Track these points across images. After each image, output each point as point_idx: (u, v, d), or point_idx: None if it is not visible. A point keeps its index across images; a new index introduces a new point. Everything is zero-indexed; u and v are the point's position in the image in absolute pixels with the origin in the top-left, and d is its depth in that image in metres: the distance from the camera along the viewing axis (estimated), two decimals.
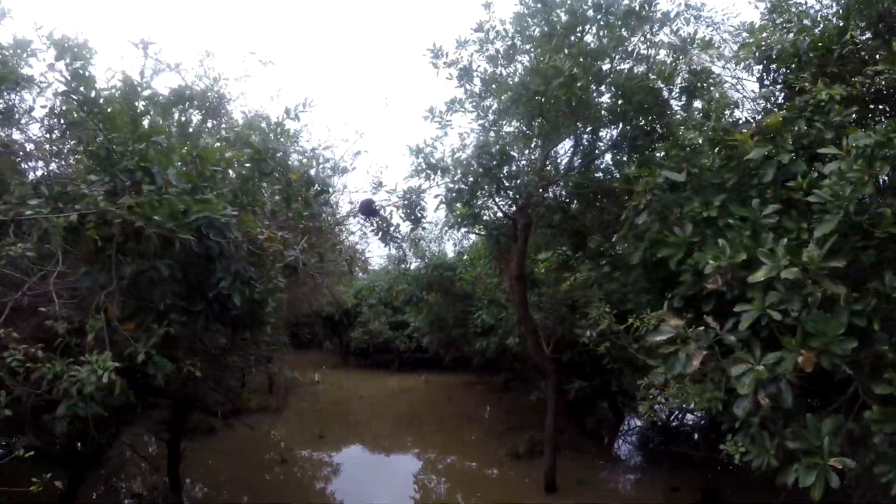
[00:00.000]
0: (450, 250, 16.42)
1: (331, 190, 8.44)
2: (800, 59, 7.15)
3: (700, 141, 6.85)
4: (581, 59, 7.95)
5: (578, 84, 7.62)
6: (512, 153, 8.85)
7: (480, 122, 9.54)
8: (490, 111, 9.55)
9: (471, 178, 8.68)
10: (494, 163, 8.45)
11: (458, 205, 9.18)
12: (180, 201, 4.95)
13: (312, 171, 8.95)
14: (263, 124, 7.51)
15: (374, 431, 16.54)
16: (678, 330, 5.52)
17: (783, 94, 7.94)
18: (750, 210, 5.72)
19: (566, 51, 8.19)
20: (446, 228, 11.38)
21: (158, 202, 4.85)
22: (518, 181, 8.92)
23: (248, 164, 6.53)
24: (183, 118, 7.27)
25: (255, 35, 59.84)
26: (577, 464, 12.40)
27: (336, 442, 15.06)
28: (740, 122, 7.83)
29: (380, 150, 17.09)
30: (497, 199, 9.56)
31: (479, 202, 9.54)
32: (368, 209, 8.73)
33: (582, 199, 9.91)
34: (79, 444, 8.22)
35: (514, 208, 9.59)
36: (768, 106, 8.23)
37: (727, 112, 7.78)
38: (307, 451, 14.38)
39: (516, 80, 8.80)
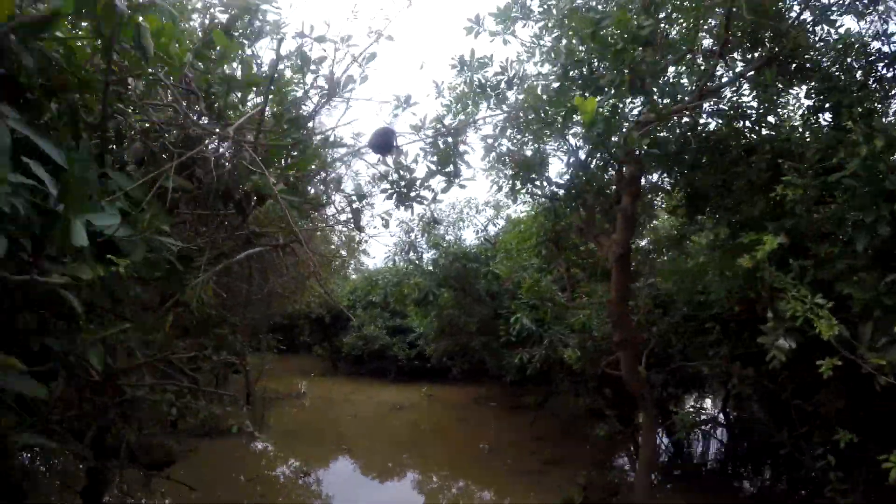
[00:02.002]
0: (469, 237, 13.11)
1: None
2: None
3: None
4: None
5: None
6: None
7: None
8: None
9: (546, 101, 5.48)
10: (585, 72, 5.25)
11: (527, 145, 5.97)
12: None
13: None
14: None
15: (371, 464, 13.22)
16: None
17: None
18: None
19: None
20: (496, 189, 8.15)
21: None
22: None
23: None
24: None
25: None
26: None
27: (322, 481, 11.78)
28: None
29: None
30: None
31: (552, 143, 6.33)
32: (384, 142, 5.43)
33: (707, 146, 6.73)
34: None
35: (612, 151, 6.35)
36: None
37: None
38: (284, 496, 11.08)
39: None
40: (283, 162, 3.35)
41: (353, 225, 7.65)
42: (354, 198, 3.44)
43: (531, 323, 10.14)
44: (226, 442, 12.85)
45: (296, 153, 3.02)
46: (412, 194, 6.57)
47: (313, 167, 4.08)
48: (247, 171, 2.87)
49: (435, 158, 6.52)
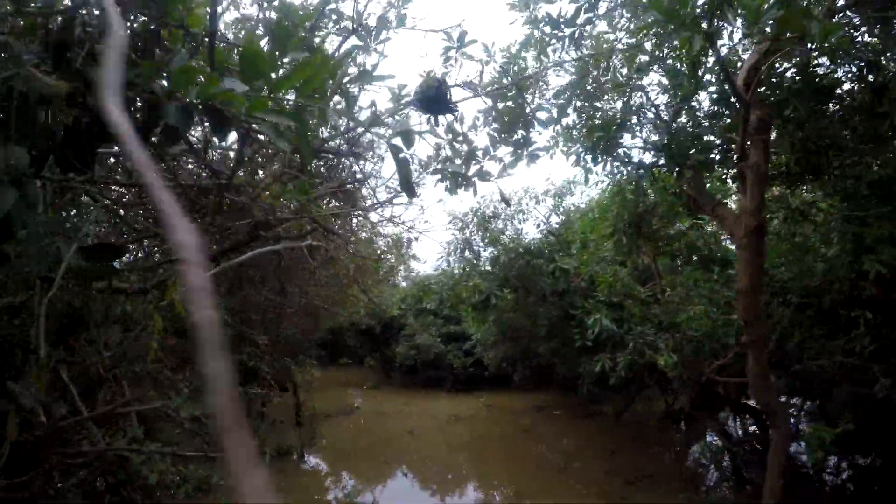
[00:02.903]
0: (530, 232, 11.75)
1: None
2: None
3: None
4: None
5: None
6: None
7: None
8: None
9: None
10: None
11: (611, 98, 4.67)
12: None
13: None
14: None
15: (431, 484, 12.01)
16: None
17: None
18: None
19: None
20: (572, 160, 6.76)
21: None
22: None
23: None
24: None
25: None
26: None
27: None
28: None
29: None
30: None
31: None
32: (435, 96, 4.16)
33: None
34: None
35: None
36: None
37: None
38: None
39: None
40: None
41: (400, 194, 6.43)
42: (399, 144, 2.21)
43: (611, 324, 8.72)
44: (274, 464, 11.91)
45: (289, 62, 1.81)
46: (471, 172, 5.41)
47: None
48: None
49: (497, 124, 5.33)
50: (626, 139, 6.53)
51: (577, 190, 12.35)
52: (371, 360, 26.50)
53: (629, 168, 6.22)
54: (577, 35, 4.91)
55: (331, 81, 1.99)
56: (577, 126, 6.60)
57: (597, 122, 6.16)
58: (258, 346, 7.53)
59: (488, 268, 11.13)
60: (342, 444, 14.10)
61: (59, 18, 1.79)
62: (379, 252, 10.24)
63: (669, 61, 5.83)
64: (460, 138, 5.24)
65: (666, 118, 6.27)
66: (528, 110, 5.23)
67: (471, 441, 14.13)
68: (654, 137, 5.99)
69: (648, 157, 6.20)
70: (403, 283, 25.84)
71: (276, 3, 3.29)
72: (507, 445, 13.71)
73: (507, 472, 12.20)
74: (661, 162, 5.88)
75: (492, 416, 17.10)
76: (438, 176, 5.32)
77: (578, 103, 6.32)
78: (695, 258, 7.93)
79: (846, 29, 5.60)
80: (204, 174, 4.52)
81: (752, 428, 10.50)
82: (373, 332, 23.71)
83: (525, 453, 13.20)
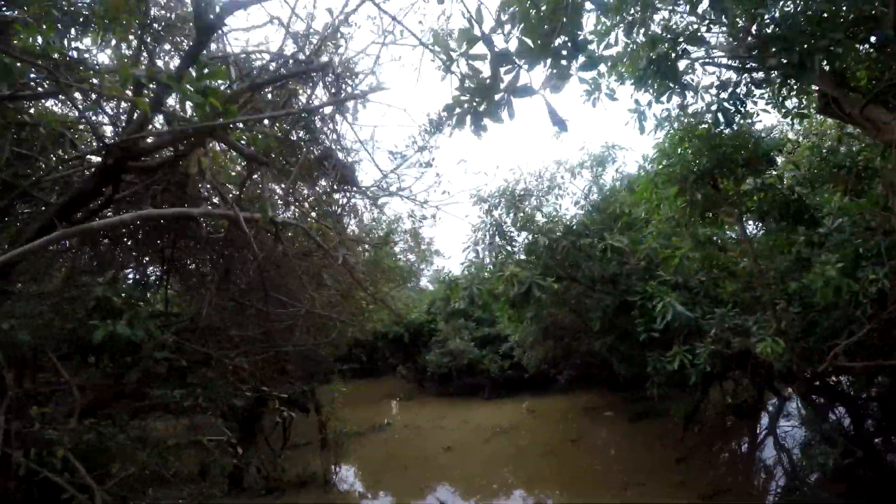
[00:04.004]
0: (569, 207, 9.89)
1: None
2: None
3: None
4: None
5: None
6: None
7: None
8: None
9: None
10: None
11: None
12: None
13: None
14: None
15: None
16: None
17: None
18: None
19: None
20: (632, 77, 5.04)
21: None
22: None
23: None
24: None
25: None
26: None
27: None
28: None
29: None
30: None
31: None
32: None
33: None
34: None
35: None
36: None
37: None
38: None
39: None
40: None
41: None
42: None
43: (684, 309, 6.93)
44: (298, 496, 10.47)
45: None
46: (496, 95, 3.87)
47: None
48: None
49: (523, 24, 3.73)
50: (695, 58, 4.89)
51: (620, 157, 10.63)
52: (402, 370, 25.10)
53: (704, 93, 4.61)
54: None
55: None
56: (630, 48, 5.00)
57: (657, 34, 4.55)
58: (231, 371, 6.05)
59: (523, 256, 9.45)
60: (373, 466, 12.58)
61: None
62: (385, 240, 8.60)
63: None
64: (476, 58, 3.68)
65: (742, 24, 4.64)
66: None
67: (516, 456, 12.43)
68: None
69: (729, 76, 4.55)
70: (430, 286, 24.31)
71: None
72: (558, 460, 11.96)
73: (561, 493, 10.52)
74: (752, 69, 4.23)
75: (537, 425, 15.40)
76: (455, 106, 3.79)
77: (630, 16, 4.74)
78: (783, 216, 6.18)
79: None
80: None
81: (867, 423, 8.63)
82: (401, 340, 22.28)
83: (579, 468, 11.49)
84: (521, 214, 9.30)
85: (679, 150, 6.21)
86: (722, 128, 5.32)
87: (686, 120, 5.86)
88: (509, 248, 9.11)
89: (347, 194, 5.72)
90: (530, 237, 9.41)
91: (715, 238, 7.20)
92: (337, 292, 7.15)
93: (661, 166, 6.53)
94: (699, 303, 7.30)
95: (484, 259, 9.48)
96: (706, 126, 5.52)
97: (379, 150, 7.53)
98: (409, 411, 19.19)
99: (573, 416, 15.87)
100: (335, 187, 5.34)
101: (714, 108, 4.98)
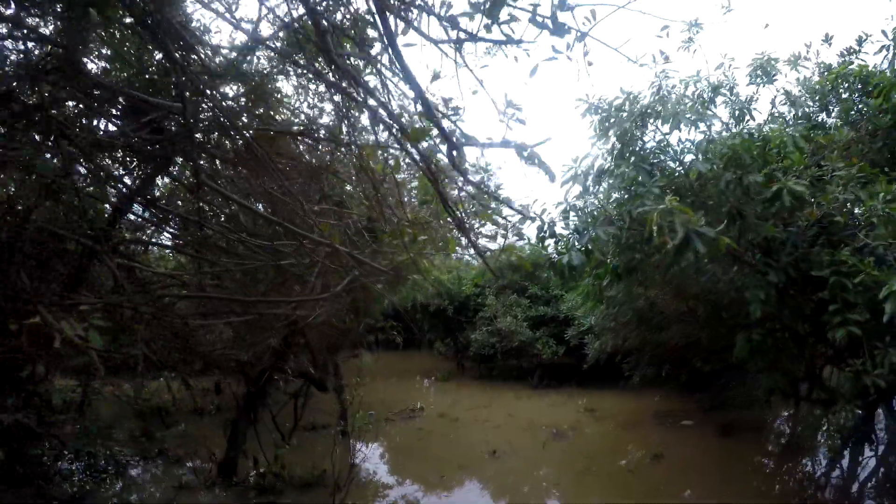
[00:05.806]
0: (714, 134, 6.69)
1: None
2: None
3: None
4: None
5: None
6: None
7: None
8: None
9: None
10: None
11: None
12: None
13: None
14: None
15: None
16: None
17: None
18: None
19: None
20: None
21: None
22: None
23: None
24: None
25: None
26: None
27: None
28: None
29: None
30: None
31: None
32: None
33: None
34: None
35: None
36: None
37: None
38: None
39: None
40: None
41: None
42: None
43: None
44: (299, 497, 8.17)
45: None
46: None
47: None
48: None
49: None
50: None
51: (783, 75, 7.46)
52: (441, 346, 22.70)
53: None
54: None
55: None
56: None
57: None
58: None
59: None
60: (399, 470, 10.13)
61: None
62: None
63: None
64: None
65: None
66: None
67: (584, 475, 9.56)
68: None
69: None
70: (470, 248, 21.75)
71: None
72: (642, 484, 9.00)
73: None
74: None
75: (604, 430, 12.63)
76: None
77: None
78: None
79: None
80: None
81: None
82: (444, 314, 19.78)
83: (673, 496, 8.72)
84: (657, 134, 6.40)
85: None
86: None
87: None
88: (646, 175, 6.05)
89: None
90: (672, 164, 6.48)
91: None
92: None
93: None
94: None
95: (598, 194, 6.56)
96: None
97: None
98: (446, 395, 16.76)
99: (644, 422, 13.11)
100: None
101: None
